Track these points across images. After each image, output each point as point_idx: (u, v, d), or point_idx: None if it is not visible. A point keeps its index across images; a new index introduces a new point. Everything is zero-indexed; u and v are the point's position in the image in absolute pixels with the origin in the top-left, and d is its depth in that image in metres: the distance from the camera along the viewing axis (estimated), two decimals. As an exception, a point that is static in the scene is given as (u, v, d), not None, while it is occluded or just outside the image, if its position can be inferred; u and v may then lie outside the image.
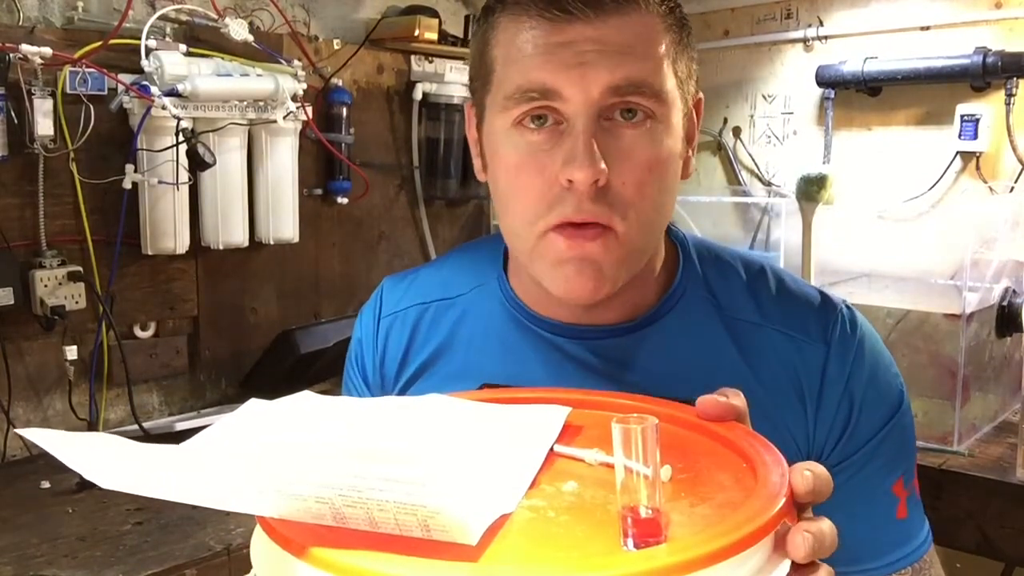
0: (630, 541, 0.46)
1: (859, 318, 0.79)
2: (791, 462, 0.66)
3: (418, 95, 2.46)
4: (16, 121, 1.71)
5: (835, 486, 0.74)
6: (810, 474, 0.50)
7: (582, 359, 0.78)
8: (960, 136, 2.21)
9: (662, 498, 0.47)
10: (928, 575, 0.77)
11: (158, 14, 1.87)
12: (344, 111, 2.27)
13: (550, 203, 0.70)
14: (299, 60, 2.09)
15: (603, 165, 0.68)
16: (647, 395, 0.71)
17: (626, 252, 0.72)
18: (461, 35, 2.47)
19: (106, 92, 1.81)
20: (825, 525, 0.49)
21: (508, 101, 0.71)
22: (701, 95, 0.78)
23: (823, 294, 0.80)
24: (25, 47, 1.66)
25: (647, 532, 0.46)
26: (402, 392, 0.85)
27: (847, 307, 0.80)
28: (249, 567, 0.50)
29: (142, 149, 1.86)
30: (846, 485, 0.73)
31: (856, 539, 0.67)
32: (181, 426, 1.99)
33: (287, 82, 2.02)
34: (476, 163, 0.80)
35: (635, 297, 0.77)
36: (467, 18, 2.55)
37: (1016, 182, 2.17)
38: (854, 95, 2.42)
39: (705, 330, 0.77)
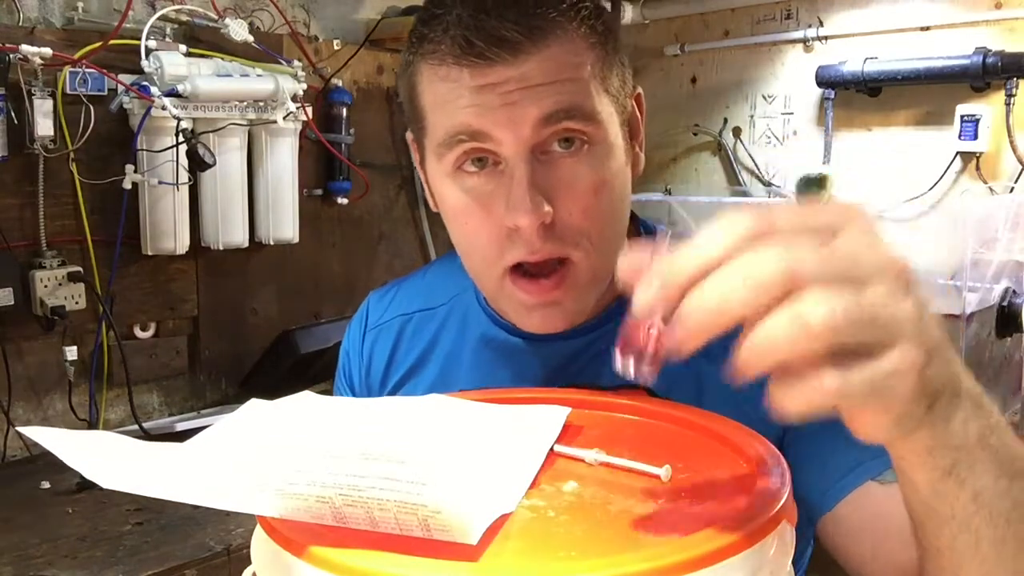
0: (630, 363, 0.45)
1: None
2: (766, 427, 0.60)
3: (418, 95, 2.46)
4: (16, 121, 1.71)
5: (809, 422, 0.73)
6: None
7: (548, 361, 0.79)
8: (960, 136, 2.21)
9: (661, 320, 0.43)
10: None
11: (158, 14, 1.87)
12: (344, 111, 2.27)
13: (501, 246, 0.70)
14: (299, 60, 2.09)
15: (546, 207, 0.67)
16: (606, 384, 0.73)
17: (588, 278, 0.72)
18: (461, 35, 2.47)
19: (106, 92, 1.81)
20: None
21: (441, 148, 0.70)
22: (639, 90, 0.77)
23: None
24: (25, 47, 1.66)
25: (648, 357, 0.45)
26: None
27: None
28: (249, 567, 0.50)
29: (142, 149, 1.86)
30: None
31: (839, 455, 0.67)
32: (181, 426, 1.99)
33: (287, 82, 2.02)
34: (428, 197, 0.79)
35: (601, 299, 0.78)
36: (467, 18, 2.55)
37: (1016, 182, 2.17)
38: (854, 95, 2.42)
39: None
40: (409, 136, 0.79)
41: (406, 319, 0.88)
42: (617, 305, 0.79)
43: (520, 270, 0.71)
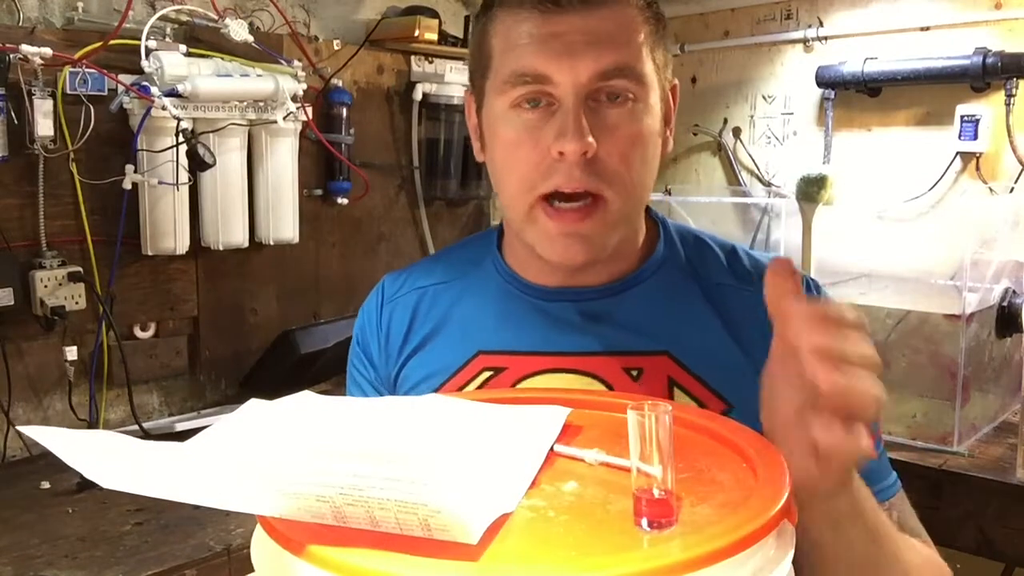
0: (644, 521, 0.48)
1: (822, 285, 0.90)
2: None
3: (418, 95, 2.46)
4: (16, 121, 1.71)
5: None
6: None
7: (568, 319, 0.85)
8: (960, 136, 2.21)
9: (674, 481, 0.48)
10: (902, 510, 0.83)
11: (158, 14, 1.87)
12: (344, 111, 2.27)
13: (543, 173, 0.78)
14: (299, 60, 2.09)
15: (591, 139, 0.75)
16: (629, 349, 0.80)
17: (613, 219, 0.79)
18: (461, 35, 2.47)
19: (106, 92, 1.81)
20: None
21: (505, 85, 0.79)
22: (676, 81, 0.87)
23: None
24: (25, 47, 1.66)
25: (660, 513, 0.48)
26: (405, 364, 0.91)
27: (811, 278, 0.90)
28: (249, 568, 0.50)
29: (142, 149, 1.86)
30: None
31: None
32: (181, 427, 1.99)
33: (287, 82, 2.02)
34: (475, 146, 0.88)
35: (619, 264, 0.86)
36: (467, 19, 2.55)
37: (1016, 182, 2.17)
38: (854, 96, 2.42)
39: (684, 291, 0.85)
40: (467, 92, 0.88)
41: (423, 291, 0.93)
42: (634, 276, 0.86)
43: (552, 202, 0.78)
